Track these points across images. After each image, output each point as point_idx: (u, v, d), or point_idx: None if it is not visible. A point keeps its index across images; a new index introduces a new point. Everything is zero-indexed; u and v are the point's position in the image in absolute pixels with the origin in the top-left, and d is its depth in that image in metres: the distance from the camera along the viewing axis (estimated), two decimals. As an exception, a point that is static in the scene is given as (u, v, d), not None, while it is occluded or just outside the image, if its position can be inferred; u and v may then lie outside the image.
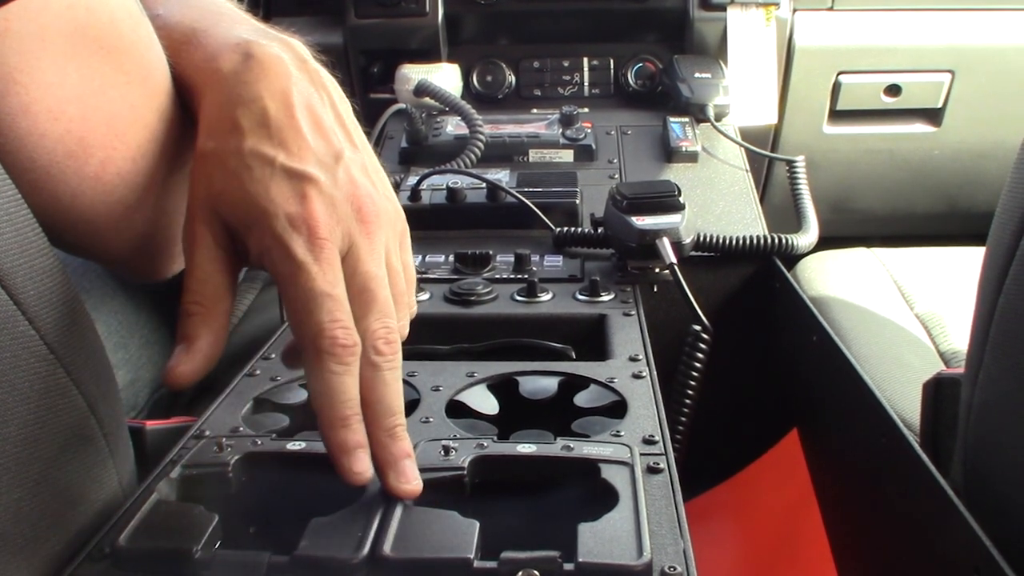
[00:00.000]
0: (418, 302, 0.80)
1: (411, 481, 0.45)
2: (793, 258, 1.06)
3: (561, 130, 1.20)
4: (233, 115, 0.46)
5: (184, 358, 0.46)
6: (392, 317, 0.47)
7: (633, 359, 0.67)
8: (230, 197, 0.45)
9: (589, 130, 1.21)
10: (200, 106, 0.48)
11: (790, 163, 1.17)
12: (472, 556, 0.40)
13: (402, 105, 1.24)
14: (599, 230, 0.93)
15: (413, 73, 1.27)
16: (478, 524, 0.42)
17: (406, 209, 1.01)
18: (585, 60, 1.43)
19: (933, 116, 1.50)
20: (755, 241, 0.97)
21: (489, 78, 1.43)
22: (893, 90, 1.46)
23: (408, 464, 0.46)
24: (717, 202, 1.10)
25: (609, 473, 0.47)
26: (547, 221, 0.97)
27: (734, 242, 0.96)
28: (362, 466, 0.44)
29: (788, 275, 0.96)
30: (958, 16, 1.45)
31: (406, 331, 0.51)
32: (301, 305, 0.44)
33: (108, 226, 0.47)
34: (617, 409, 0.59)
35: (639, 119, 1.32)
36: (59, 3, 0.41)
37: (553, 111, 1.26)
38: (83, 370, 0.44)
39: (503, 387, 0.63)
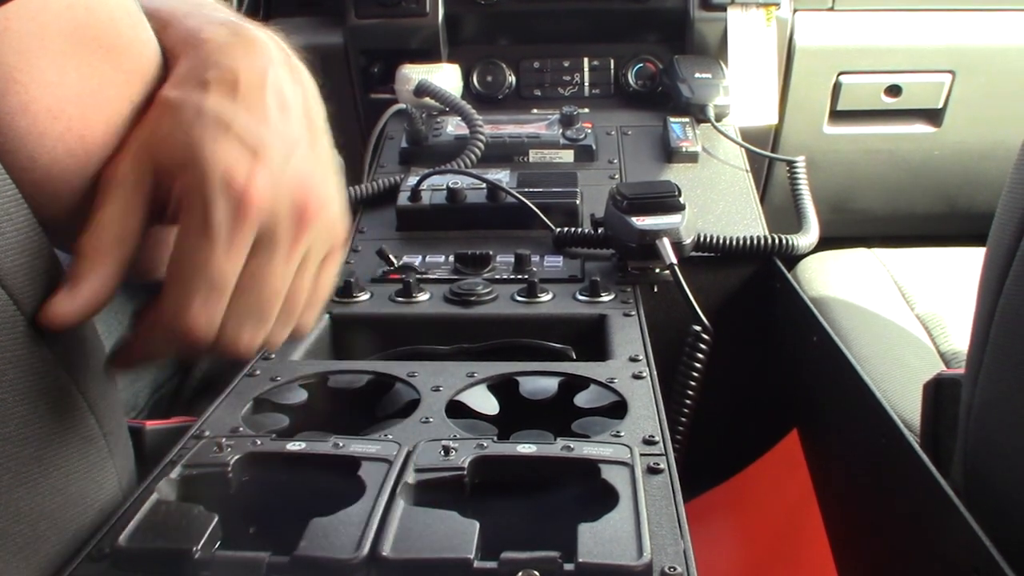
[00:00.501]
0: (418, 302, 0.81)
1: None
2: (793, 258, 1.06)
3: (561, 130, 1.20)
4: (204, 74, 0.44)
5: (64, 299, 0.41)
6: (265, 331, 0.45)
7: (633, 359, 0.67)
8: (172, 141, 0.42)
9: (589, 130, 1.21)
10: (173, 69, 0.46)
11: (790, 163, 1.17)
12: (472, 556, 0.40)
13: (402, 105, 1.24)
14: (599, 230, 0.93)
15: (413, 73, 1.27)
16: (478, 524, 0.42)
17: (406, 210, 1.02)
18: (585, 60, 1.43)
19: (933, 116, 1.50)
20: (755, 241, 0.97)
21: (489, 78, 1.43)
22: (893, 90, 1.46)
23: None
24: (717, 202, 1.10)
25: (609, 473, 0.47)
26: (547, 221, 0.97)
27: (734, 242, 0.96)
28: None
29: (788, 275, 0.96)
30: (958, 16, 1.45)
31: (277, 345, 0.48)
32: (187, 271, 0.41)
33: None
34: (617, 409, 0.59)
35: (639, 119, 1.32)
36: (58, 2, 0.41)
37: (553, 111, 1.26)
38: (83, 370, 0.44)
39: (503, 387, 0.63)
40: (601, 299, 0.81)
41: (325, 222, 0.46)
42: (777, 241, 0.97)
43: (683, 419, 0.82)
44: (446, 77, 1.31)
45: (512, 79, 1.43)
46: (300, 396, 0.62)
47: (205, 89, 0.44)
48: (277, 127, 0.44)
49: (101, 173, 0.44)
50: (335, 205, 0.47)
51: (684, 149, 1.18)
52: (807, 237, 1.02)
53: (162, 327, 0.42)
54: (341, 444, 0.50)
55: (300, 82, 0.49)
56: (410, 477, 0.47)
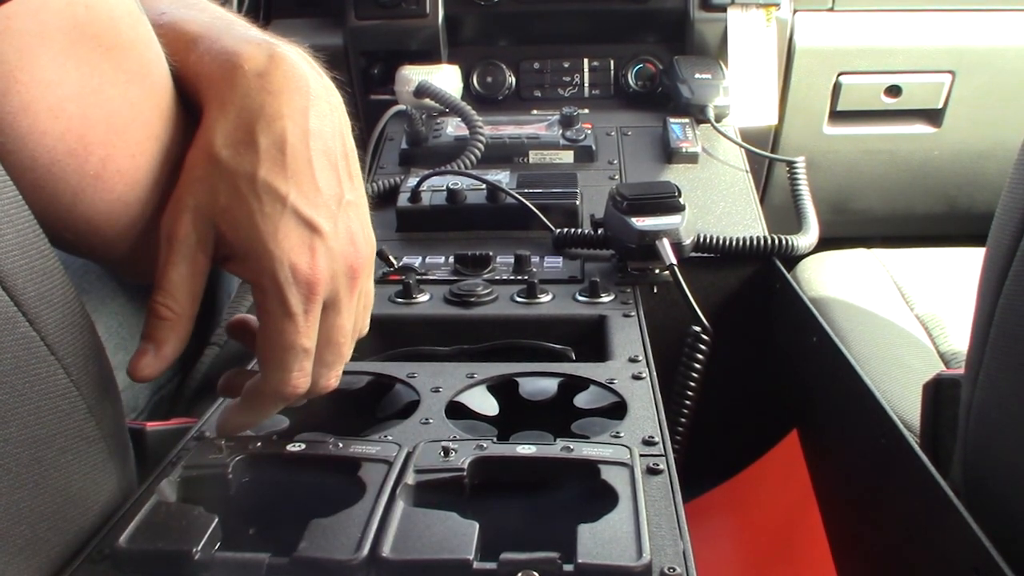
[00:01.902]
0: (418, 303, 0.81)
1: None
2: (793, 259, 1.06)
3: (561, 131, 1.20)
4: (252, 128, 0.47)
5: (150, 360, 0.47)
6: (342, 367, 0.52)
7: (633, 360, 0.67)
8: (235, 220, 0.46)
9: (589, 131, 1.21)
10: (211, 101, 0.48)
11: (790, 164, 1.17)
12: (472, 557, 0.40)
13: (402, 106, 1.24)
14: (599, 231, 0.93)
15: (413, 74, 1.27)
16: (478, 525, 0.42)
17: (406, 211, 1.02)
18: (585, 61, 1.43)
19: (933, 117, 1.50)
20: (755, 242, 0.97)
21: (489, 79, 1.43)
22: (893, 91, 1.46)
23: None
24: (717, 203, 1.10)
25: (609, 474, 0.47)
26: (547, 222, 0.97)
27: (734, 243, 0.96)
28: None
29: (788, 276, 0.96)
30: (958, 17, 1.45)
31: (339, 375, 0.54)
32: (279, 351, 0.48)
33: (108, 225, 0.47)
34: (617, 410, 0.59)
35: (639, 120, 1.32)
36: (58, 2, 0.41)
37: (553, 112, 1.26)
38: (83, 372, 0.44)
39: (503, 388, 0.63)
40: (601, 300, 0.81)
41: (366, 268, 0.51)
42: (777, 241, 0.97)
43: (683, 420, 0.82)
44: (446, 78, 1.32)
45: (512, 80, 1.43)
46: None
47: (254, 153, 0.46)
48: (324, 188, 0.48)
49: (161, 228, 0.48)
50: (369, 237, 0.52)
51: (684, 150, 1.18)
52: (807, 237, 1.02)
53: (270, 396, 0.49)
54: (341, 445, 0.50)
55: (335, 109, 0.51)
56: (410, 478, 0.47)
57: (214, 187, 0.46)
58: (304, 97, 0.48)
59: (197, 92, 0.49)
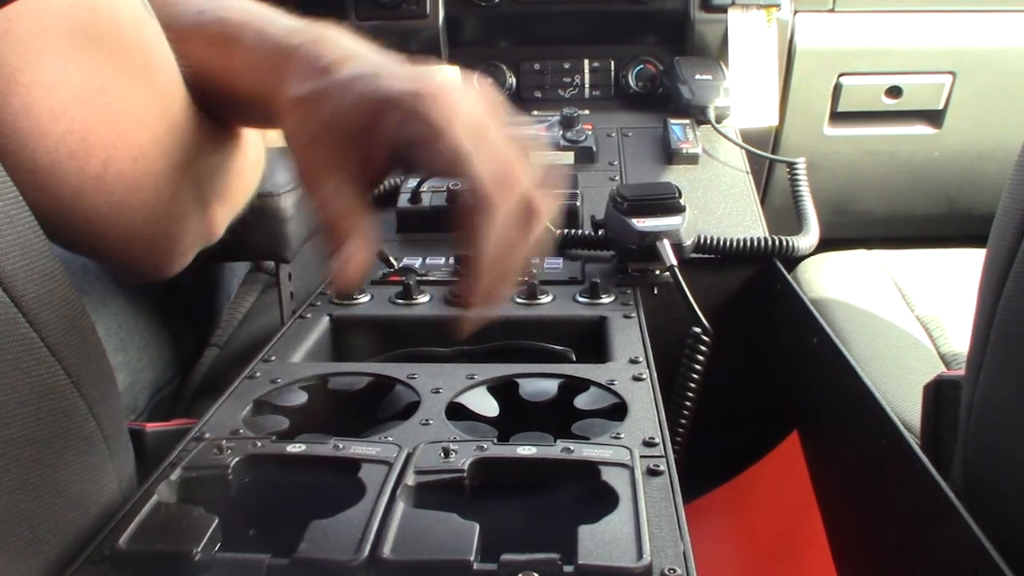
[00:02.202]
0: (418, 304, 0.81)
1: None
2: (794, 260, 1.06)
3: (561, 132, 1.20)
4: (323, 59, 0.48)
5: (348, 261, 0.47)
6: None
7: (633, 361, 0.67)
8: (340, 97, 0.47)
9: (590, 132, 1.21)
10: (276, 88, 0.49)
11: (791, 165, 1.17)
12: (472, 558, 0.40)
13: (403, 107, 1.24)
14: (599, 232, 0.93)
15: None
16: (478, 526, 0.42)
17: (407, 211, 1.02)
18: (586, 62, 1.43)
19: (934, 118, 1.50)
20: (756, 243, 0.97)
21: (490, 80, 1.43)
22: (894, 92, 1.46)
23: None
24: (718, 204, 1.10)
25: (609, 475, 0.47)
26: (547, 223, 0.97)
27: (735, 244, 0.96)
28: None
29: (788, 277, 0.96)
30: (959, 18, 1.45)
31: None
32: (499, 260, 0.50)
33: (108, 226, 0.47)
34: (617, 411, 0.59)
35: (640, 121, 1.32)
36: (60, 4, 0.41)
37: (554, 113, 1.26)
38: (84, 372, 0.44)
39: (503, 389, 0.63)
40: (601, 301, 0.81)
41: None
42: (777, 242, 0.97)
43: (683, 421, 0.82)
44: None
45: (512, 81, 1.43)
46: (300, 398, 0.62)
47: (336, 66, 0.48)
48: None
49: (301, 174, 0.49)
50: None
51: (684, 151, 1.18)
52: (807, 238, 1.02)
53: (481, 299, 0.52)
54: (341, 446, 0.50)
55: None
56: (410, 479, 0.47)
57: (319, 108, 0.47)
58: (368, 62, 0.49)
59: (254, 84, 0.51)
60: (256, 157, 0.63)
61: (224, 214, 0.59)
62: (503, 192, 0.47)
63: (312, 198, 0.49)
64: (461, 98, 0.48)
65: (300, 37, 0.50)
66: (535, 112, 1.35)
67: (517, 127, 0.52)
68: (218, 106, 0.55)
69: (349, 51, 0.50)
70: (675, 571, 0.41)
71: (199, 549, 0.41)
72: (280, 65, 0.50)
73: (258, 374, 0.65)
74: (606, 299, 0.81)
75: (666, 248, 0.83)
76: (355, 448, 0.50)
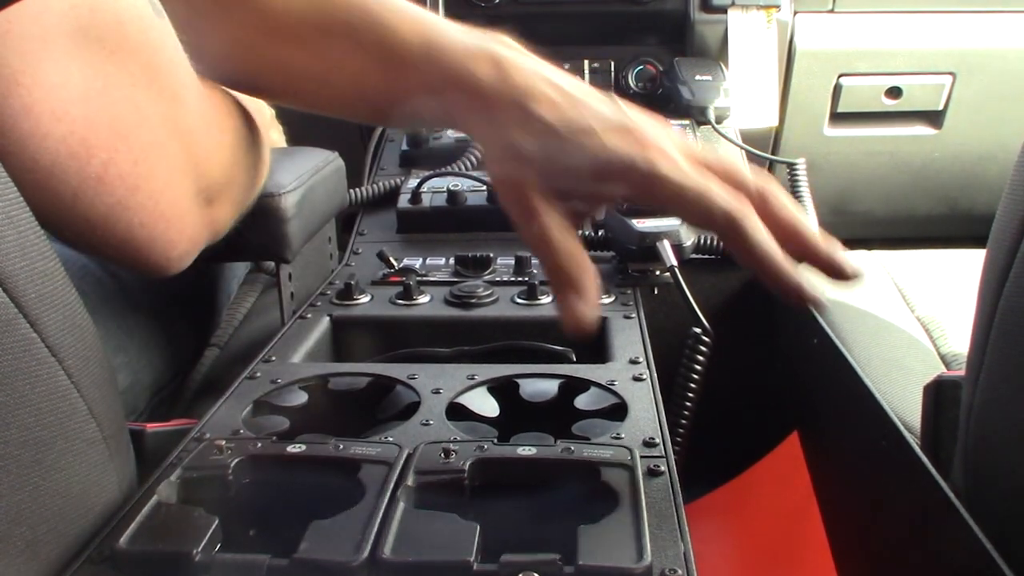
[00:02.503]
0: (418, 304, 0.81)
1: None
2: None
3: (562, 133, 1.20)
4: (523, 106, 0.53)
5: (583, 305, 0.51)
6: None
7: (633, 361, 0.67)
8: (567, 171, 0.52)
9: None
10: (466, 116, 0.55)
11: (791, 165, 1.17)
12: (472, 558, 0.40)
13: (403, 108, 1.24)
14: (599, 233, 0.93)
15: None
16: (478, 526, 0.42)
17: (407, 212, 1.02)
18: (586, 63, 1.43)
19: (934, 118, 1.50)
20: (756, 243, 0.96)
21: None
22: (894, 92, 1.46)
23: None
24: (718, 204, 1.10)
25: (609, 476, 0.47)
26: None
27: (735, 244, 0.96)
28: None
29: (789, 277, 0.96)
30: (959, 18, 1.45)
31: None
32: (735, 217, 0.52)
33: (108, 226, 0.47)
34: (617, 412, 0.59)
35: (640, 122, 1.32)
36: (62, 5, 0.41)
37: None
38: (84, 373, 0.44)
39: (503, 390, 0.63)
40: (601, 301, 0.81)
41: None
42: (777, 243, 0.97)
43: (683, 421, 0.82)
44: (446, 80, 1.31)
45: (512, 81, 1.42)
46: (300, 398, 0.62)
47: (539, 118, 0.53)
48: (601, 106, 0.54)
49: (511, 212, 0.53)
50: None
51: (684, 151, 1.18)
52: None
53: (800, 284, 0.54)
54: (341, 446, 0.50)
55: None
56: (410, 479, 0.47)
57: (530, 158, 0.52)
58: (571, 101, 0.54)
59: (432, 110, 0.56)
60: (262, 157, 0.63)
61: (228, 213, 0.59)
62: (744, 214, 0.52)
63: (534, 244, 0.53)
64: (672, 142, 0.54)
65: (480, 62, 0.55)
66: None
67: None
68: (339, 109, 0.60)
69: (542, 81, 0.54)
70: (675, 571, 0.41)
71: (199, 549, 0.41)
72: (471, 101, 0.54)
73: (258, 374, 0.65)
74: (606, 299, 0.81)
75: (666, 249, 0.83)
76: (355, 448, 0.50)
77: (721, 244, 0.96)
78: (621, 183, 0.53)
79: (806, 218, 0.55)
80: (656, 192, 0.53)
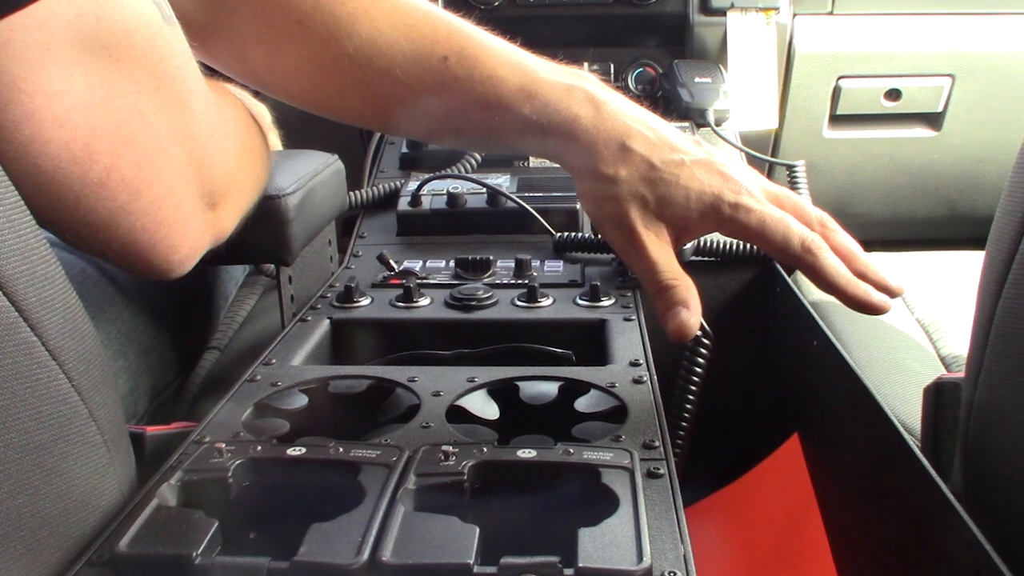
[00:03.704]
0: (418, 307, 0.81)
1: None
2: (793, 262, 1.06)
3: (561, 135, 1.20)
4: (620, 142, 0.60)
5: (688, 315, 0.58)
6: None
7: (634, 364, 0.67)
8: (670, 198, 0.60)
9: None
10: (569, 155, 0.62)
11: (790, 167, 1.17)
12: (472, 561, 0.40)
13: (403, 110, 1.24)
14: (599, 235, 0.93)
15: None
16: (478, 529, 0.42)
17: (407, 215, 1.02)
18: (585, 65, 1.43)
19: (933, 120, 1.50)
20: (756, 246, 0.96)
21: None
22: (893, 94, 1.46)
23: None
24: (717, 207, 1.10)
25: (609, 478, 0.47)
26: (547, 226, 0.97)
27: (735, 247, 0.96)
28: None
29: (789, 280, 0.96)
30: (958, 20, 1.45)
31: None
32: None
33: (109, 231, 0.47)
34: (617, 414, 0.59)
35: (639, 124, 1.32)
36: (67, 13, 0.41)
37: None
38: (84, 376, 0.44)
39: (503, 392, 0.63)
40: (601, 303, 0.81)
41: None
42: (777, 245, 0.97)
43: (683, 423, 0.82)
44: (446, 82, 1.31)
45: (512, 84, 1.43)
46: (300, 401, 0.62)
47: (638, 153, 0.60)
48: (686, 144, 0.63)
49: (613, 239, 0.63)
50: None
51: (684, 153, 1.18)
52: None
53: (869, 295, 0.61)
54: (341, 449, 0.50)
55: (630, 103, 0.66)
56: (410, 482, 0.47)
57: (631, 191, 0.59)
58: (624, 117, 0.61)
59: (536, 148, 0.64)
60: (265, 161, 0.64)
61: (231, 217, 0.60)
62: (820, 243, 0.60)
63: (639, 271, 0.61)
64: (751, 177, 0.62)
65: (576, 102, 0.60)
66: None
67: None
68: (427, 138, 0.73)
69: (635, 120, 0.61)
70: (675, 574, 0.41)
71: (199, 552, 0.41)
72: (568, 139, 0.60)
73: (258, 377, 0.65)
74: (606, 302, 0.81)
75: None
76: (355, 451, 0.50)
77: (721, 246, 0.96)
78: (710, 213, 0.59)
79: (858, 247, 0.64)
80: (740, 222, 0.59)
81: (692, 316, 0.58)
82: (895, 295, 0.62)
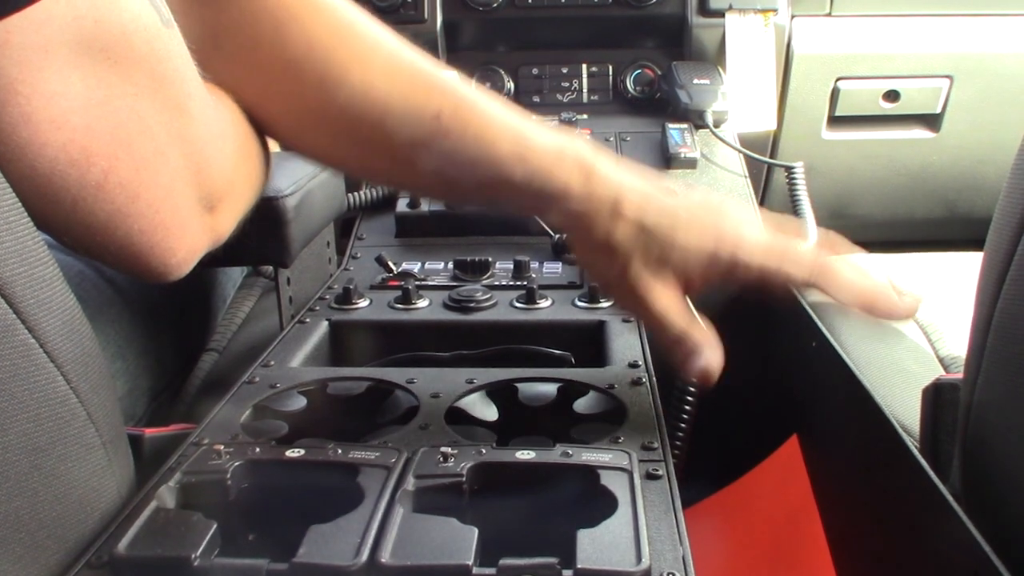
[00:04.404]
0: (417, 309, 0.81)
1: None
2: (792, 264, 1.06)
3: (560, 137, 1.20)
4: (617, 205, 0.60)
5: (711, 357, 0.58)
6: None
7: (632, 365, 0.67)
8: (673, 258, 0.60)
9: (588, 136, 1.21)
10: (571, 222, 0.61)
11: (789, 169, 1.17)
12: (471, 563, 0.40)
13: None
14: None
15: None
16: (477, 530, 0.42)
17: (405, 216, 1.02)
18: (584, 67, 1.43)
19: (932, 122, 1.50)
20: (754, 247, 0.96)
21: (488, 85, 1.43)
22: (892, 96, 1.47)
23: None
24: (716, 208, 1.10)
25: (608, 479, 0.47)
26: (546, 227, 0.97)
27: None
28: None
29: (787, 281, 0.96)
30: (956, 22, 1.45)
31: None
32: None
33: (106, 234, 0.47)
34: (616, 415, 0.59)
35: (638, 125, 1.32)
36: (65, 15, 0.41)
37: (552, 118, 1.27)
38: (82, 379, 0.44)
39: (502, 393, 0.63)
40: (600, 305, 0.81)
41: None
42: (776, 246, 0.97)
43: (682, 425, 0.82)
44: (445, 84, 1.32)
45: (511, 85, 1.43)
46: (299, 403, 0.62)
47: (633, 220, 0.60)
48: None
49: (622, 299, 0.63)
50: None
51: (683, 155, 1.19)
52: (806, 242, 1.01)
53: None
54: (340, 451, 0.50)
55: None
56: (409, 484, 0.47)
57: (628, 252, 0.59)
58: (655, 204, 0.61)
59: (529, 209, 0.62)
60: (264, 164, 0.64)
61: (229, 220, 0.60)
62: (826, 262, 0.60)
63: (648, 324, 0.61)
64: (745, 225, 0.62)
65: (569, 167, 0.60)
66: (533, 117, 1.34)
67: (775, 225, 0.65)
68: (419, 192, 0.72)
69: (627, 183, 0.61)
70: (674, 575, 0.41)
71: (198, 554, 0.41)
72: (562, 203, 0.60)
73: (257, 379, 0.65)
74: (605, 303, 0.81)
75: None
76: (354, 453, 0.50)
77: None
78: (710, 270, 0.60)
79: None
80: (741, 276, 0.60)
81: (715, 358, 0.58)
82: (913, 310, 0.63)
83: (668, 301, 0.60)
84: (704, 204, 0.63)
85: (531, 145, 0.61)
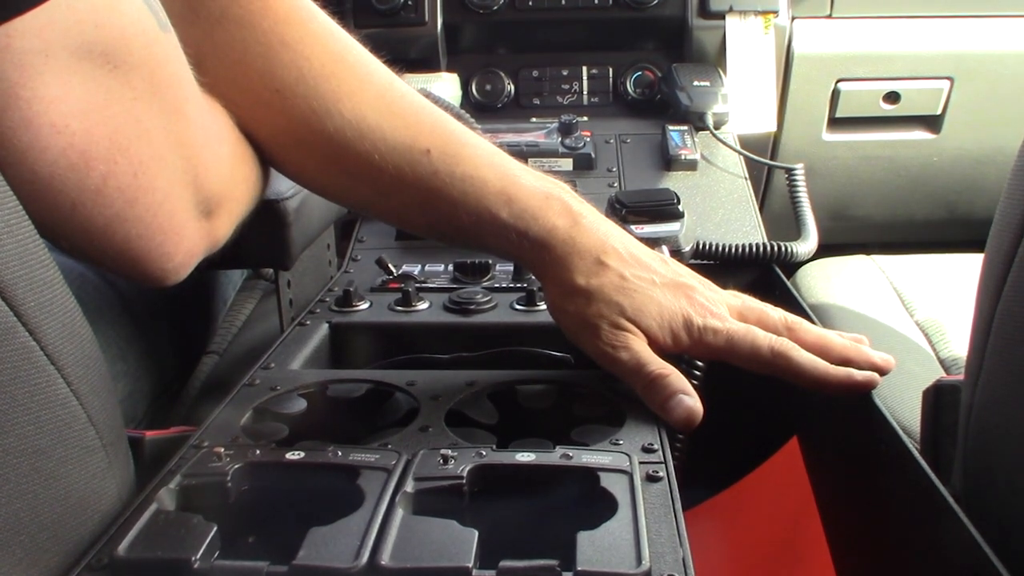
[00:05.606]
0: (417, 311, 0.81)
1: None
2: (793, 265, 1.06)
3: (560, 139, 1.20)
4: (598, 258, 0.62)
5: (692, 400, 0.58)
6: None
7: (632, 367, 0.67)
8: (639, 309, 0.61)
9: (588, 139, 1.21)
10: (548, 270, 0.63)
11: (789, 171, 1.17)
12: (471, 565, 0.40)
13: (402, 114, 1.24)
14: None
15: (412, 82, 1.27)
16: (477, 533, 0.42)
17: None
18: (584, 69, 1.43)
19: (932, 123, 1.50)
20: (755, 249, 0.97)
21: (488, 87, 1.43)
22: (892, 97, 1.47)
23: None
24: (716, 210, 1.10)
25: (608, 481, 0.47)
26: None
27: (734, 250, 0.96)
28: None
29: (788, 283, 0.96)
30: (956, 23, 1.45)
31: None
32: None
33: (105, 238, 0.47)
34: (616, 417, 0.59)
35: (638, 127, 1.32)
36: (66, 19, 0.41)
37: (552, 120, 1.26)
38: (83, 381, 0.44)
39: (502, 396, 0.63)
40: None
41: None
42: (776, 248, 0.97)
43: (683, 426, 0.82)
44: (445, 86, 1.32)
45: (511, 88, 1.43)
46: (299, 405, 0.62)
47: (612, 269, 0.62)
48: (659, 266, 0.66)
49: (588, 348, 0.63)
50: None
51: (683, 157, 1.19)
52: (806, 244, 1.02)
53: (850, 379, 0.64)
54: (340, 453, 0.50)
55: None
56: (409, 486, 0.47)
57: (605, 300, 0.61)
58: (602, 231, 0.63)
59: (516, 257, 0.65)
60: (263, 169, 0.64)
61: (227, 225, 0.60)
62: (787, 344, 0.62)
63: (622, 375, 0.61)
64: (715, 298, 0.65)
65: (554, 213, 0.62)
66: (533, 119, 1.35)
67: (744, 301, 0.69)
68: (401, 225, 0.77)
69: (609, 236, 0.63)
70: (674, 577, 0.41)
71: (198, 556, 0.41)
72: (544, 249, 0.62)
73: (257, 381, 0.65)
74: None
75: (665, 254, 0.83)
76: (354, 455, 0.50)
77: (720, 249, 0.96)
78: (680, 334, 0.62)
79: (832, 335, 0.67)
80: (709, 344, 0.62)
81: (695, 401, 0.58)
82: (884, 371, 0.65)
83: (642, 347, 0.60)
84: (682, 271, 0.66)
85: (519, 186, 0.61)
